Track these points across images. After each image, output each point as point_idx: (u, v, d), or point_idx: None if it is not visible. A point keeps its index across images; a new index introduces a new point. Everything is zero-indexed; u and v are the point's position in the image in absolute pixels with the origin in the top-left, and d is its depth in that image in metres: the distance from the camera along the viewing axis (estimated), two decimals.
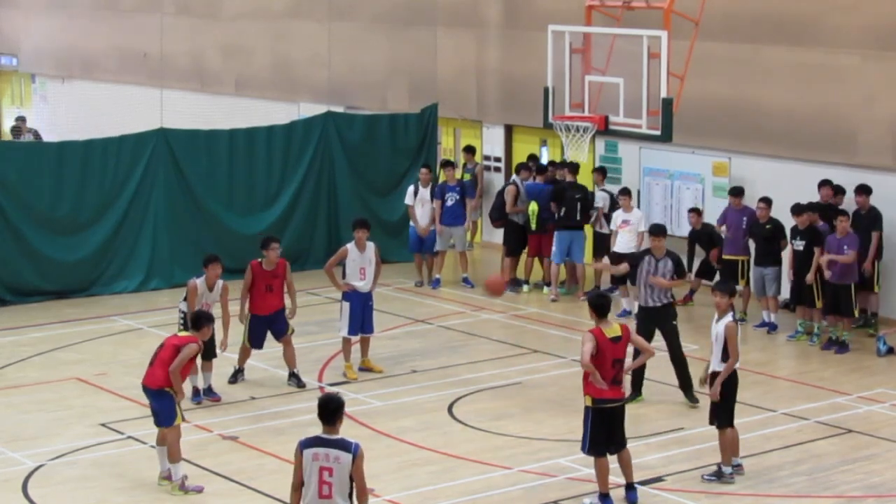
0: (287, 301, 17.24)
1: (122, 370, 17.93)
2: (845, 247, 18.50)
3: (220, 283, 16.46)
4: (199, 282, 16.27)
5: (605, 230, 21.81)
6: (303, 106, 28.27)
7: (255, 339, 17.20)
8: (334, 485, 9.97)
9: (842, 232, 18.58)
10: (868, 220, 19.23)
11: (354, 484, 9.99)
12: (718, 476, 13.89)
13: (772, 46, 21.33)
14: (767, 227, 19.66)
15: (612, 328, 13.14)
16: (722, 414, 13.95)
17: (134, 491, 13.79)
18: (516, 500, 13.54)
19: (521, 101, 24.55)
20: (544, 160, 24.09)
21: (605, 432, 13.13)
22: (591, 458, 13.46)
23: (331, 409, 10.04)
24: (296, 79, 29.34)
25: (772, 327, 19.77)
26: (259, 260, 17.08)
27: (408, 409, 16.34)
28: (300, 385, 17.05)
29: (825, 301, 18.86)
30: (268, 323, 17.14)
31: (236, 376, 17.31)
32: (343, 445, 9.98)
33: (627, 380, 14.73)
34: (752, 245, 20.21)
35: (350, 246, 17.59)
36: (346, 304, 17.52)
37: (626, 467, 13.38)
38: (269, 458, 14.62)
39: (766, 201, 19.75)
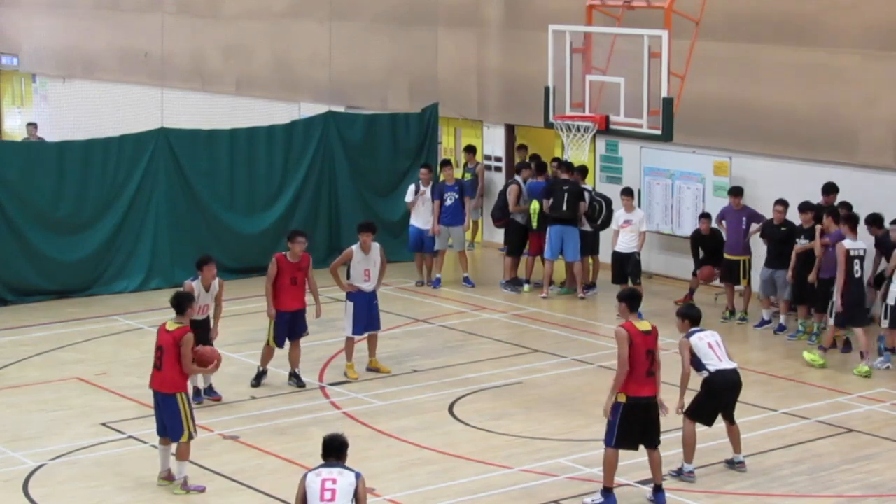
0: (309, 299, 17.16)
1: (122, 370, 17.94)
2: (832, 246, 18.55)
3: (216, 282, 16.39)
4: (196, 284, 16.21)
5: (585, 227, 21.83)
6: (303, 105, 28.27)
7: (279, 338, 17.11)
8: (338, 491, 10.18)
9: (829, 229, 18.60)
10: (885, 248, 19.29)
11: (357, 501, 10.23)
12: (678, 473, 13.93)
13: (773, 46, 21.33)
14: (782, 229, 19.52)
15: (642, 322, 13.31)
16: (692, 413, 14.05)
17: (135, 491, 13.79)
18: (516, 500, 13.54)
19: (521, 101, 24.55)
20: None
21: (635, 427, 13.20)
22: (591, 459, 13.49)
23: (335, 446, 10.43)
24: (296, 78, 29.35)
25: (780, 328, 19.71)
26: (284, 253, 17.07)
27: (408, 408, 16.33)
28: (300, 385, 17.04)
29: (818, 299, 18.85)
30: (290, 321, 17.07)
31: (259, 378, 17.21)
32: (346, 468, 10.36)
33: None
34: (760, 245, 20.10)
35: (355, 248, 17.54)
36: (351, 305, 17.52)
37: (655, 468, 13.38)
38: (270, 458, 14.63)
39: (783, 203, 19.65)
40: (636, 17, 18.72)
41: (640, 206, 22.01)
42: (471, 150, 25.64)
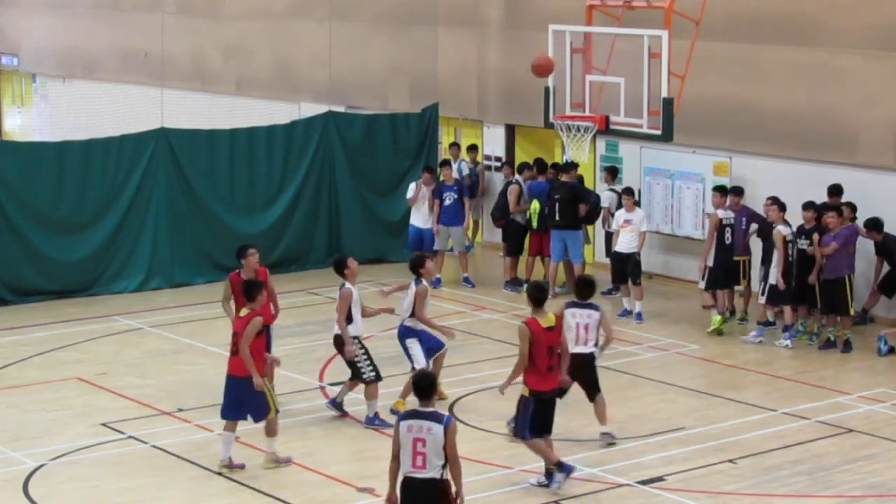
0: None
1: (122, 370, 17.94)
2: (834, 244, 18.54)
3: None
4: (353, 288, 15.59)
5: (612, 229, 21.83)
6: (303, 105, 28.28)
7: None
8: (427, 454, 10.52)
9: (833, 228, 18.61)
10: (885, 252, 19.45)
11: (447, 455, 10.52)
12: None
13: (773, 46, 21.33)
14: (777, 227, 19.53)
15: (547, 318, 13.52)
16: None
17: (135, 491, 13.79)
18: (516, 500, 13.53)
19: (521, 101, 24.55)
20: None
21: (542, 418, 13.60)
22: (592, 459, 13.51)
23: (424, 386, 10.75)
24: (296, 78, 29.35)
25: (784, 327, 19.68)
26: (237, 270, 16.08)
27: (408, 408, 16.26)
28: None
29: (823, 300, 18.87)
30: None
31: None
32: (435, 417, 10.60)
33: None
34: (758, 244, 20.09)
35: (427, 284, 16.18)
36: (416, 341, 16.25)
37: (550, 447, 13.81)
38: None
39: (775, 200, 19.63)
40: (636, 17, 18.72)
41: (639, 206, 21.98)
42: (472, 149, 25.65)
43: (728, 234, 19.69)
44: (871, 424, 15.72)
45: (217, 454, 14.59)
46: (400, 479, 10.76)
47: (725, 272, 19.74)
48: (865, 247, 19.55)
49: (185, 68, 31.61)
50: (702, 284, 19.85)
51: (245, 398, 14.05)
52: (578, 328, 14.73)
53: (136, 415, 16.02)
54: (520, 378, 13.74)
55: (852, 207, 19.44)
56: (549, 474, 13.71)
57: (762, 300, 19.12)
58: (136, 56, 32.85)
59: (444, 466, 10.58)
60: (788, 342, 18.88)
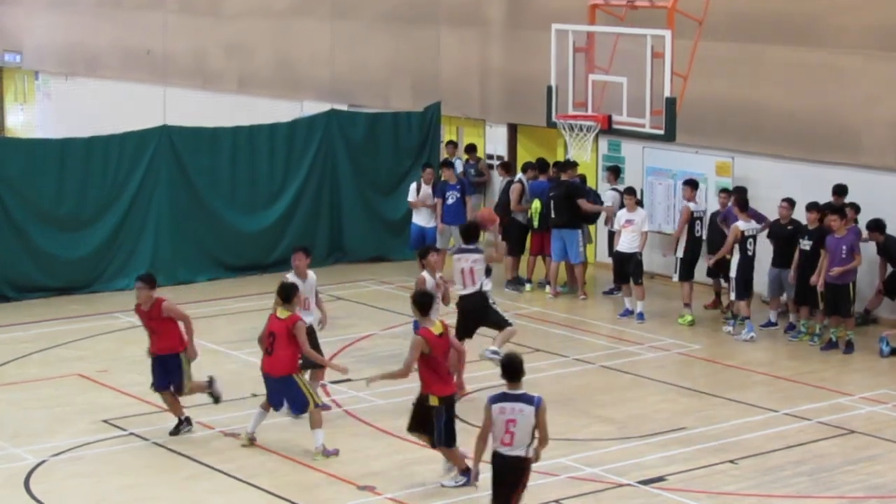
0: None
1: (123, 367, 17.92)
2: (843, 247, 18.52)
3: (312, 273, 16.19)
4: (298, 281, 15.72)
5: (614, 228, 21.81)
6: (306, 104, 28.27)
7: (154, 381, 15.12)
8: (516, 434, 11.28)
9: (838, 231, 18.59)
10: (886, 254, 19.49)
11: (538, 431, 11.27)
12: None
13: (775, 46, 21.32)
14: (789, 227, 19.42)
15: (436, 325, 13.62)
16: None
17: (136, 488, 13.79)
18: None
19: (524, 100, 24.54)
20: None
21: (454, 422, 13.76)
22: (592, 459, 13.49)
23: (514, 368, 11.33)
24: (299, 77, 29.35)
25: (790, 327, 19.65)
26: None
27: (409, 407, 16.27)
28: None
29: (826, 301, 18.84)
30: (163, 365, 15.10)
31: (179, 428, 15.29)
32: (526, 399, 11.29)
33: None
34: (762, 247, 20.10)
35: (425, 276, 16.13)
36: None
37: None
38: (270, 455, 14.61)
39: (789, 201, 19.58)
40: (639, 16, 18.72)
41: (641, 206, 21.96)
42: (470, 149, 25.64)
43: (698, 227, 20.21)
44: (872, 425, 15.70)
45: (218, 451, 14.62)
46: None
47: (692, 264, 20.32)
48: (867, 247, 19.53)
49: (187, 66, 31.60)
50: (675, 277, 20.49)
51: (285, 395, 14.49)
52: (464, 273, 16.01)
53: (138, 412, 16.01)
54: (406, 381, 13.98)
55: (855, 209, 19.42)
56: (465, 472, 13.59)
57: (733, 296, 19.49)
58: (138, 54, 32.85)
59: (529, 445, 11.26)
60: (754, 334, 19.24)
